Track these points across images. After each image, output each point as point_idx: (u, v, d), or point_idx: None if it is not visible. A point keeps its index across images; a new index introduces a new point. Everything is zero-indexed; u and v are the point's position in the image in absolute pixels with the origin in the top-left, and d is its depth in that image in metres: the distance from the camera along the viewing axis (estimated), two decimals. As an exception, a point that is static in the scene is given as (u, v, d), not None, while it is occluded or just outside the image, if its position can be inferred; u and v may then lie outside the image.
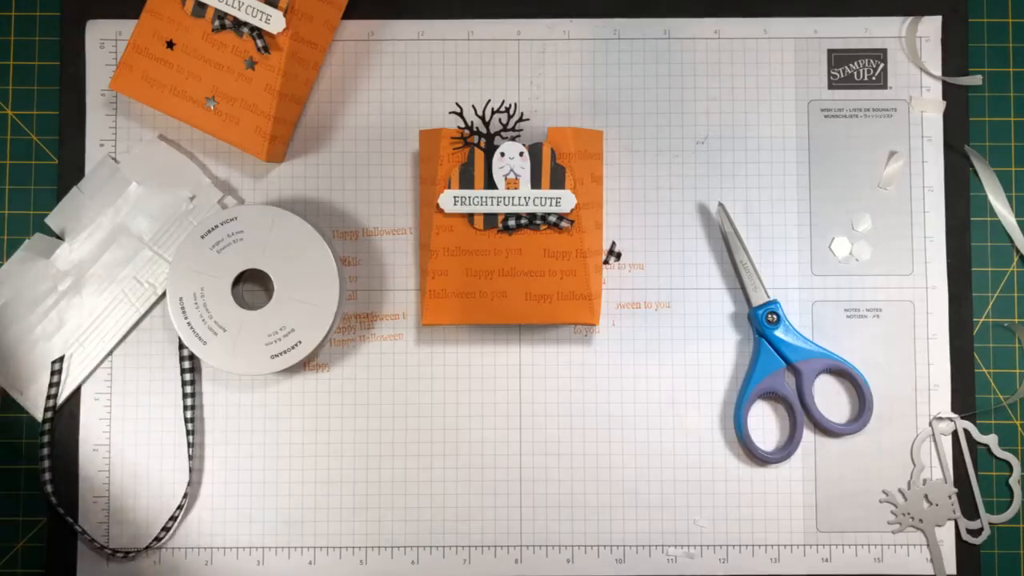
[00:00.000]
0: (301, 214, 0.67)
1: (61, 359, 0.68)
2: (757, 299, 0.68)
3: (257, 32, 0.65)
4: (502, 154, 0.64)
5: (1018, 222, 0.70)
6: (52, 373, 0.68)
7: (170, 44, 0.66)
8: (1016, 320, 0.70)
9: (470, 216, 0.65)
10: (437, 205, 0.64)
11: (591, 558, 0.68)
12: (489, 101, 0.69)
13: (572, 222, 0.64)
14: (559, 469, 0.69)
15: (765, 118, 0.70)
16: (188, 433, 0.68)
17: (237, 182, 0.70)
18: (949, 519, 0.68)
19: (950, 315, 0.69)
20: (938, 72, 0.70)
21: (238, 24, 0.65)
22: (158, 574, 0.68)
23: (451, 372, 0.69)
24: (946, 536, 0.68)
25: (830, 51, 0.70)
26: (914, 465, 0.68)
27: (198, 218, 0.69)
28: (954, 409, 0.69)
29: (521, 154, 0.64)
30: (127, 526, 0.68)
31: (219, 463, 0.69)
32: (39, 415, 0.68)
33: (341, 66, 0.70)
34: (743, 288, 0.69)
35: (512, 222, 0.64)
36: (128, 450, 0.69)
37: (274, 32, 0.65)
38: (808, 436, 0.69)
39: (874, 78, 0.70)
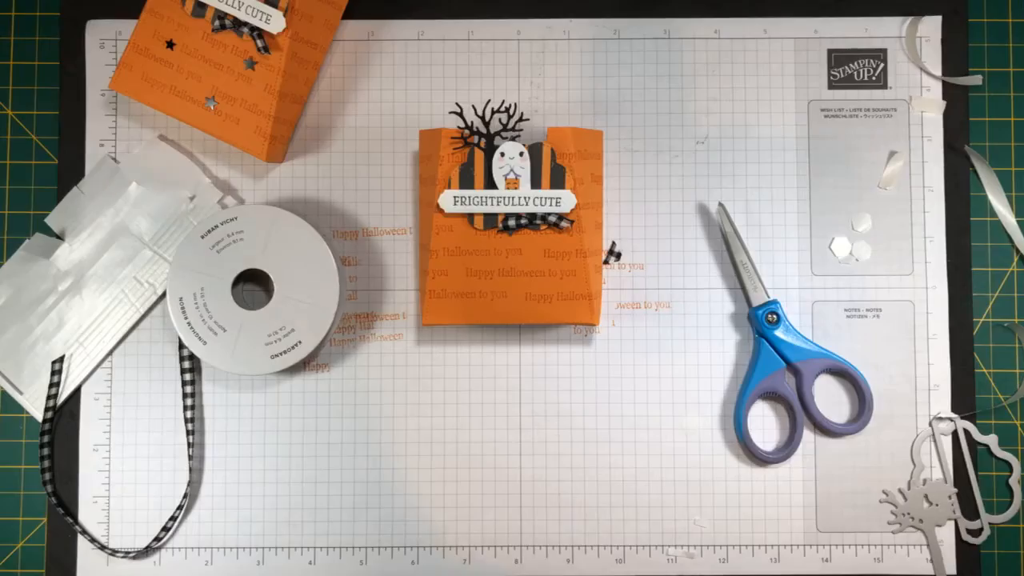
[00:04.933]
0: (301, 214, 0.67)
1: (61, 359, 0.68)
2: (757, 299, 0.68)
3: (257, 32, 0.65)
4: (502, 154, 0.64)
5: (1018, 222, 0.70)
6: (52, 373, 0.68)
7: (170, 44, 0.66)
8: (1016, 320, 0.70)
9: (470, 216, 0.65)
10: (437, 205, 0.64)
11: (591, 558, 0.68)
12: (489, 101, 0.70)
13: (572, 222, 0.64)
14: (559, 469, 0.69)
15: (765, 118, 0.70)
16: (188, 433, 0.68)
17: (237, 182, 0.70)
18: (949, 519, 0.68)
19: (950, 315, 0.69)
20: (938, 72, 0.70)
21: (238, 24, 0.65)
22: (158, 574, 0.68)
23: (451, 372, 0.69)
24: (946, 536, 0.68)
25: (830, 51, 0.70)
26: (914, 465, 0.68)
27: (198, 218, 0.69)
28: (954, 409, 0.69)
29: (521, 154, 0.64)
30: (127, 526, 0.68)
31: (219, 463, 0.69)
32: (39, 415, 0.68)
33: (341, 66, 0.70)
34: (743, 288, 0.69)
35: (512, 222, 0.64)
36: (128, 450, 0.69)
37: (274, 32, 0.65)
38: (808, 436, 0.69)
39: (874, 78, 0.70)
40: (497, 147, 0.64)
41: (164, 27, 0.66)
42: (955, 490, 0.68)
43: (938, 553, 0.68)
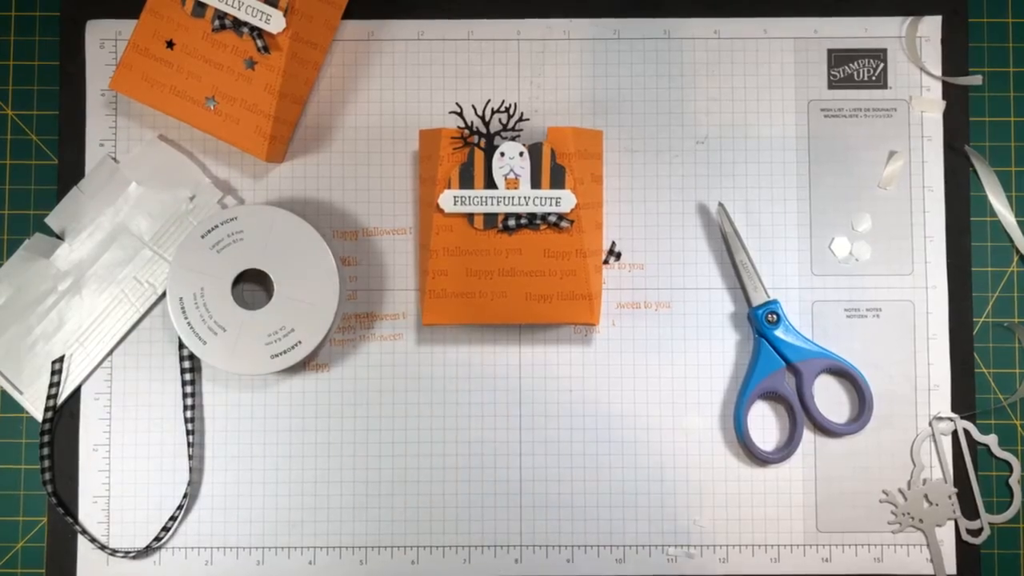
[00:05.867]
0: (301, 214, 0.67)
1: (61, 359, 0.68)
2: (757, 299, 0.68)
3: (257, 32, 0.65)
4: (502, 154, 0.64)
5: (1018, 222, 0.70)
6: (52, 373, 0.68)
7: (170, 44, 0.66)
8: (1016, 320, 0.70)
9: (470, 216, 0.65)
10: (437, 205, 0.64)
11: (591, 558, 0.68)
12: (489, 101, 0.70)
13: (572, 222, 0.64)
14: (559, 469, 0.69)
15: (765, 118, 0.70)
16: (188, 433, 0.68)
17: (237, 182, 0.70)
18: (949, 519, 0.68)
19: (950, 315, 0.69)
20: (938, 72, 0.70)
21: (238, 24, 0.65)
22: (158, 574, 0.68)
23: (451, 372, 0.69)
24: (946, 536, 0.68)
25: (830, 51, 0.70)
26: (914, 465, 0.68)
27: (198, 218, 0.69)
28: (954, 409, 0.69)
29: (521, 154, 0.64)
30: (127, 526, 0.68)
31: (219, 463, 0.69)
32: (39, 415, 0.68)
33: (341, 66, 0.70)
34: (743, 288, 0.69)
35: (512, 222, 0.64)
36: (128, 450, 0.69)
37: (274, 32, 0.65)
38: (808, 436, 0.69)
39: (874, 78, 0.70)
40: (497, 147, 0.64)
41: (164, 27, 0.66)
42: (955, 490, 0.68)
43: (938, 553, 0.68)
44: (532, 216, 0.64)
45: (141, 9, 0.66)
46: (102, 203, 0.69)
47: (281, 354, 0.65)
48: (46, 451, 0.68)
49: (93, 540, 0.68)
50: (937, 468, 0.68)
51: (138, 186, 0.69)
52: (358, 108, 0.70)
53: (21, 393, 0.68)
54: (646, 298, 0.69)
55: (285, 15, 0.65)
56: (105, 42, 0.70)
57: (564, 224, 0.64)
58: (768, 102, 0.70)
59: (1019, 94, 0.71)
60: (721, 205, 0.69)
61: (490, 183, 0.64)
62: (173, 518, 0.68)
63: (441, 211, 0.64)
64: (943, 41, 0.70)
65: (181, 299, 0.65)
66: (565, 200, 0.64)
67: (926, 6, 0.70)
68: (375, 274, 0.70)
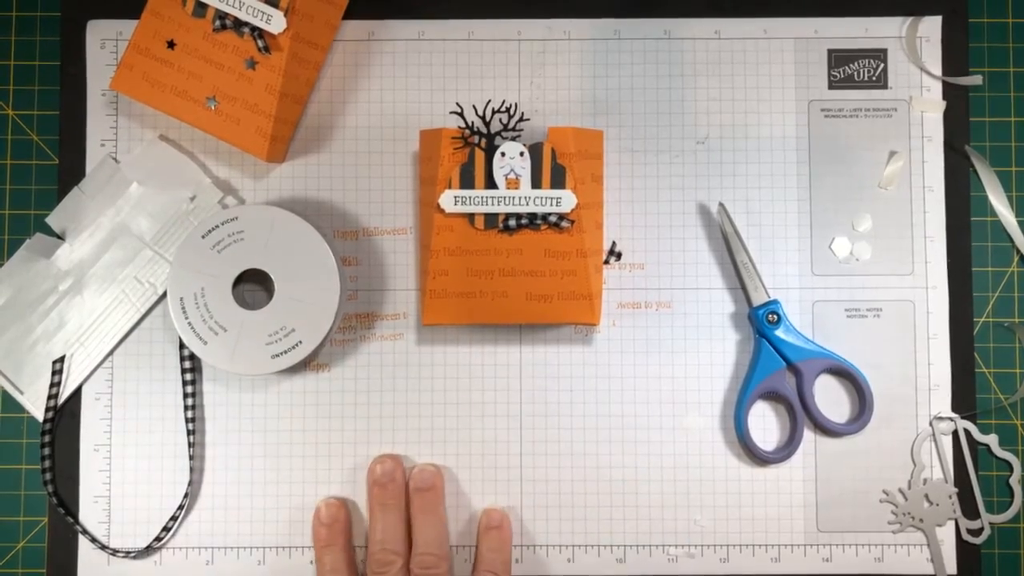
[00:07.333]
0: (301, 214, 0.67)
1: (62, 359, 0.68)
2: (757, 299, 0.68)
3: (258, 32, 0.65)
4: (502, 154, 0.64)
5: (1018, 222, 0.70)
6: (53, 373, 0.68)
7: (171, 44, 0.66)
8: (1016, 320, 0.70)
9: (470, 216, 0.65)
10: (437, 205, 0.64)
11: (591, 558, 0.68)
12: (489, 101, 0.70)
13: (572, 222, 0.64)
14: (559, 469, 0.69)
15: (765, 118, 0.70)
16: (188, 433, 0.68)
17: (237, 182, 0.70)
18: (949, 519, 0.68)
19: (950, 315, 0.69)
20: (938, 72, 0.70)
21: (239, 24, 0.65)
22: (158, 574, 0.68)
23: (451, 372, 0.69)
24: (946, 536, 0.68)
25: (830, 51, 0.70)
26: (914, 465, 0.68)
27: (198, 218, 0.69)
28: (954, 409, 0.69)
29: (521, 154, 0.64)
30: (127, 526, 0.68)
31: (219, 463, 0.69)
32: (40, 415, 0.68)
33: (341, 66, 0.70)
34: (743, 288, 0.69)
35: (513, 222, 0.64)
36: (129, 450, 0.69)
37: (275, 32, 0.65)
38: (808, 436, 0.69)
39: (874, 78, 0.70)
40: (497, 147, 0.64)
41: (165, 27, 0.66)
42: (955, 490, 0.68)
43: (938, 553, 0.68)
44: (533, 216, 0.64)
45: (142, 9, 0.66)
46: (103, 203, 0.69)
47: (282, 354, 0.65)
48: (47, 451, 0.68)
49: (94, 540, 0.68)
50: (937, 468, 0.68)
51: (139, 186, 0.69)
52: (358, 108, 0.70)
53: (22, 393, 0.68)
54: (646, 298, 0.69)
55: (286, 15, 0.65)
56: (106, 42, 0.70)
57: (564, 224, 0.64)
58: (768, 102, 0.70)
59: (1019, 94, 0.71)
60: (721, 205, 0.69)
61: (491, 183, 0.64)
62: (174, 518, 0.68)
63: (442, 211, 0.65)
64: (943, 41, 0.70)
65: (182, 299, 0.65)
66: (565, 200, 0.64)
67: (926, 6, 0.71)
68: (375, 274, 0.70)
